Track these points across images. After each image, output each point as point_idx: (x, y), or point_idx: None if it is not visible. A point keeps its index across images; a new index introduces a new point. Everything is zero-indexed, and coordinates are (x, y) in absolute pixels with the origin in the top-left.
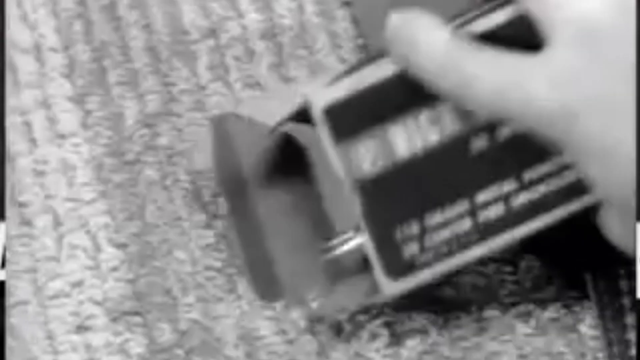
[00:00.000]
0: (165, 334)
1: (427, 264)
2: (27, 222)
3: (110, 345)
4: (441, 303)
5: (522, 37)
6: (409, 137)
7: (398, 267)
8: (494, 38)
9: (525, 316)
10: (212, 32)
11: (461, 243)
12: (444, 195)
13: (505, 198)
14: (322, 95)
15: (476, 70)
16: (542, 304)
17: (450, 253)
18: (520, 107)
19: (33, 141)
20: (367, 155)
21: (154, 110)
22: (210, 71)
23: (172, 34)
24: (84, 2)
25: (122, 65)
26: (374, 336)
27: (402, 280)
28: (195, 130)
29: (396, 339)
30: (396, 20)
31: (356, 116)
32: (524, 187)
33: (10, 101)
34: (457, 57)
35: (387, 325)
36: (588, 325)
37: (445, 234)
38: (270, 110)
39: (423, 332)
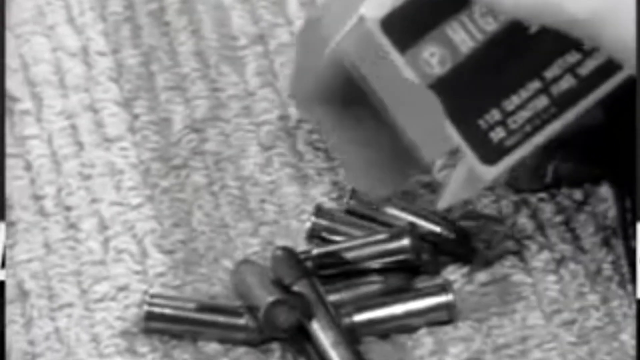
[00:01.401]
0: (211, 342)
1: (516, 145)
2: (72, 226)
3: (156, 351)
4: (484, 311)
5: None
6: (468, 32)
7: (491, 153)
8: None
9: (569, 324)
10: (261, 38)
11: (542, 119)
12: (515, 79)
13: (572, 69)
14: (374, 10)
15: None
16: (586, 312)
17: (535, 130)
18: (553, 16)
19: (80, 144)
20: (434, 58)
21: (202, 115)
22: (258, 77)
23: (221, 40)
24: (132, 6)
25: (170, 70)
26: (418, 344)
27: (497, 164)
28: (243, 136)
29: (440, 347)
30: None
31: (412, 23)
32: (587, 55)
33: (57, 104)
34: None
35: (431, 333)
36: (630, 334)
37: (525, 114)
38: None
39: (467, 340)
